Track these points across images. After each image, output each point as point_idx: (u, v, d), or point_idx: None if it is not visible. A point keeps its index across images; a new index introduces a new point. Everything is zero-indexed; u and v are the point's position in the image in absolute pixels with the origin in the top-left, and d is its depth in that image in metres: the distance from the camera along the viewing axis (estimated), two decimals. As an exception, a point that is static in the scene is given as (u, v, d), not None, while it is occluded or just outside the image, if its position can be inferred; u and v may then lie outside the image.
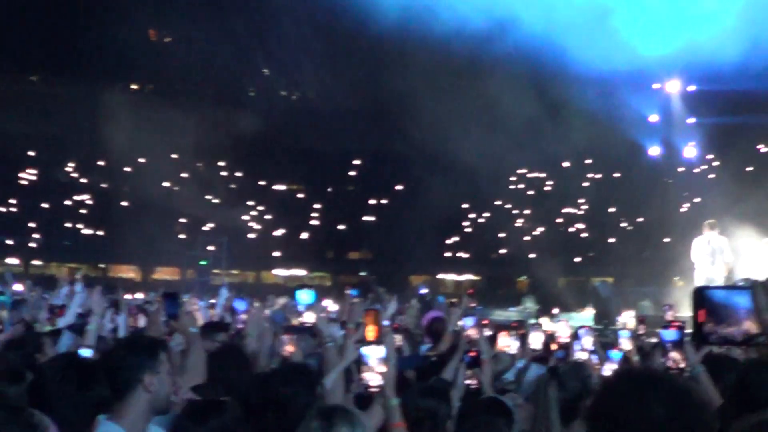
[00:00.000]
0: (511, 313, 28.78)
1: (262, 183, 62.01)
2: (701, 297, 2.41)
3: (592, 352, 9.27)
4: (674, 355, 5.67)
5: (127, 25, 54.19)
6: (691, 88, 44.97)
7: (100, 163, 55.06)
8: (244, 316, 8.67)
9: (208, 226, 54.28)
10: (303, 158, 59.00)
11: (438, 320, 11.73)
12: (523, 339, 10.63)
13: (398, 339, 10.20)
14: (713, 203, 45.58)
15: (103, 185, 56.49)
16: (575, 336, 10.31)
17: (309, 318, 6.72)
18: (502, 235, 56.57)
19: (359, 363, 5.33)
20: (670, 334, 5.65)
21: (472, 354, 7.29)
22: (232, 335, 8.77)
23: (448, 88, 48.64)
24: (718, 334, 2.38)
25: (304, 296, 6.79)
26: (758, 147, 51.21)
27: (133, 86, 61.63)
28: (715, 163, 50.34)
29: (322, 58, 53.33)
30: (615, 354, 8.86)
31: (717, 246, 22.43)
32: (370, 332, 6.19)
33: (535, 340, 10.15)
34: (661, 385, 2.68)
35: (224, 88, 58.56)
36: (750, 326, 2.35)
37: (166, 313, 7.06)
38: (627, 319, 16.72)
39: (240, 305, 8.99)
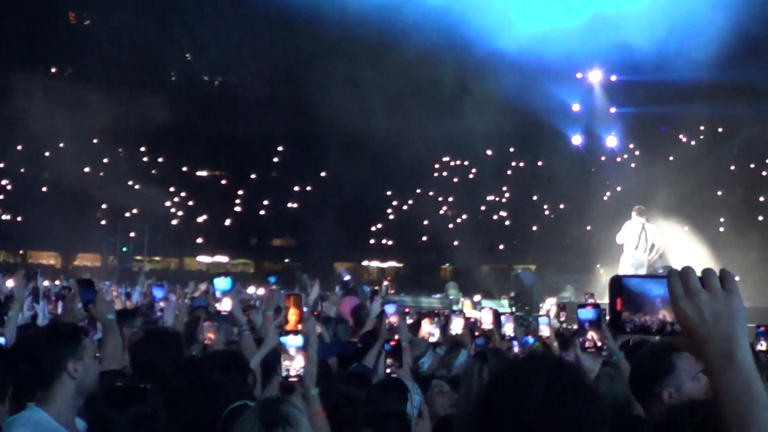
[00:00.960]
0: (434, 300, 28.79)
1: (184, 169, 61.59)
2: (618, 285, 2.36)
3: (512, 338, 9.32)
4: (592, 334, 5.65)
5: (47, 7, 53.51)
6: (613, 78, 45.44)
7: (19, 147, 54.19)
8: (162, 303, 8.53)
9: (129, 213, 53.80)
10: (225, 144, 58.63)
11: (358, 307, 11.73)
12: (445, 325, 10.64)
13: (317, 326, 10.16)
14: (635, 192, 46.19)
15: (22, 170, 55.61)
16: (498, 323, 10.34)
17: (226, 305, 6.62)
18: (425, 222, 56.79)
19: (280, 351, 5.23)
20: (587, 313, 5.62)
21: (392, 343, 7.25)
22: (152, 321, 8.63)
23: (372, 76, 48.56)
24: (634, 322, 2.33)
25: (221, 283, 6.70)
26: (680, 136, 51.87)
27: (53, 69, 60.71)
28: (637, 153, 50.89)
29: (245, 43, 53.08)
30: (530, 340, 8.90)
31: (648, 230, 22.79)
32: (292, 316, 6.10)
33: (456, 326, 10.15)
34: (543, 368, 2.73)
35: (145, 73, 57.94)
36: (666, 315, 2.30)
37: (81, 300, 6.90)
38: (549, 306, 16.89)
39: (158, 292, 8.85)
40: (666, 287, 2.30)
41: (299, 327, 6.30)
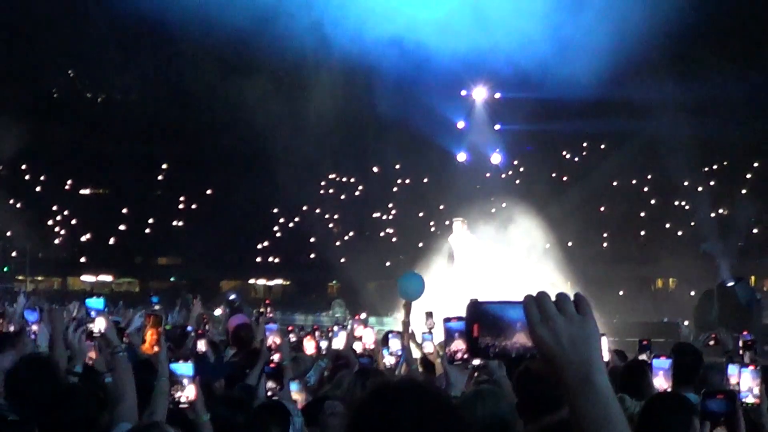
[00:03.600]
0: (322, 318, 28.79)
1: (67, 187, 60.64)
2: (475, 310, 2.35)
3: (400, 355, 9.33)
4: (458, 344, 5.68)
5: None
6: (497, 95, 45.94)
7: None
8: (35, 327, 8.32)
9: (10, 232, 52.74)
10: (110, 162, 57.86)
11: (243, 327, 11.61)
12: (330, 341, 10.65)
13: (202, 345, 10.07)
14: (519, 208, 46.66)
15: None
16: (385, 340, 10.35)
17: (99, 325, 6.50)
18: (312, 239, 56.69)
19: (171, 379, 5.18)
20: (455, 324, 5.65)
21: (272, 365, 7.21)
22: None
23: (256, 93, 48.44)
24: (493, 348, 2.32)
25: (94, 303, 6.59)
26: (563, 153, 52.70)
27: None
28: (521, 169, 51.52)
29: (129, 61, 52.54)
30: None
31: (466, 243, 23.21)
32: (149, 337, 6.03)
33: (339, 342, 10.16)
34: (409, 394, 2.68)
35: (29, 90, 56.94)
36: (523, 339, 2.31)
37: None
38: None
39: (30, 316, 8.62)
40: (522, 312, 2.32)
41: (155, 348, 6.23)
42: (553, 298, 2.30)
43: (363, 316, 16.39)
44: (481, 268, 24.25)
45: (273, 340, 8.49)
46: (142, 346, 6.46)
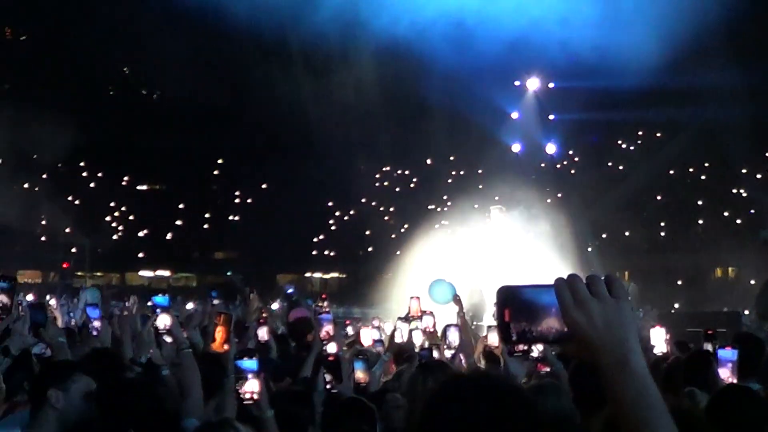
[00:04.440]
0: (377, 311, 28.75)
1: (124, 183, 61.12)
2: (506, 296, 2.36)
3: (457, 348, 9.31)
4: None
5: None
6: (551, 85, 45.74)
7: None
8: (97, 323, 8.38)
9: (69, 228, 53.25)
10: (166, 157, 58.20)
11: (302, 320, 11.64)
12: (391, 334, 10.66)
13: (264, 334, 10.14)
14: (575, 198, 46.52)
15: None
16: (443, 333, 10.33)
17: (164, 321, 6.55)
18: (368, 232, 56.69)
19: (237, 374, 5.23)
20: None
21: (330, 358, 7.22)
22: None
23: (310, 87, 48.58)
24: (525, 333, 2.32)
25: (159, 300, 6.64)
26: (618, 142, 52.31)
27: (-12, 85, 60.05)
28: (576, 159, 51.23)
29: (182, 56, 52.74)
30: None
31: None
32: (218, 335, 6.07)
33: (400, 335, 10.16)
34: (484, 386, 2.74)
35: (83, 87, 57.40)
36: (556, 323, 2.31)
37: (31, 322, 6.82)
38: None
39: (93, 312, 8.68)
40: (553, 295, 2.31)
41: (225, 347, 6.26)
42: (584, 281, 2.31)
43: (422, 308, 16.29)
44: (524, 257, 24.17)
45: (326, 330, 8.52)
46: (212, 344, 6.51)
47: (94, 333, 8.21)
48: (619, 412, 2.27)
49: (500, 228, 24.26)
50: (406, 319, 11.66)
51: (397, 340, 10.21)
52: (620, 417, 2.27)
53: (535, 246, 29.87)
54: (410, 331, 10.77)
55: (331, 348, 8.27)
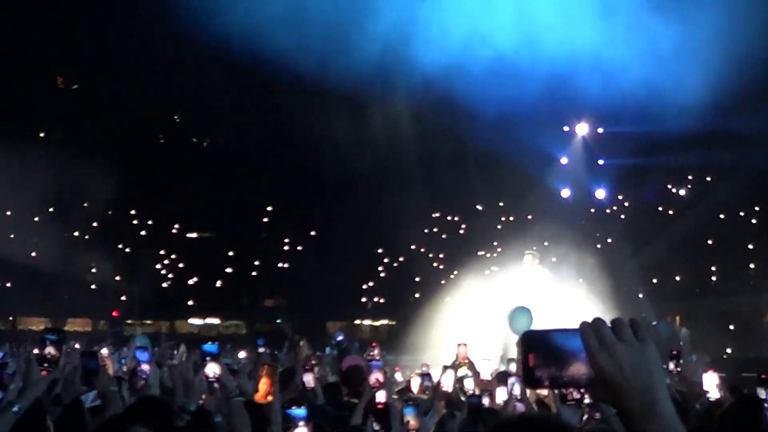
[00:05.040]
0: (426, 357, 28.64)
1: (173, 231, 61.50)
2: (529, 340, 2.34)
3: (519, 400, 9.17)
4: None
5: (35, 71, 53.68)
6: (600, 129, 45.68)
7: (7, 213, 54.04)
8: (146, 367, 8.42)
9: (119, 276, 53.66)
10: (215, 205, 58.57)
11: (355, 368, 11.61)
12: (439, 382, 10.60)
13: (310, 380, 10.12)
14: (626, 243, 46.27)
15: (11, 236, 55.40)
16: (499, 380, 10.26)
17: (213, 370, 6.55)
18: (417, 279, 56.60)
19: (287, 423, 5.23)
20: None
21: (379, 406, 7.19)
22: (141, 387, 8.53)
23: (359, 133, 48.78)
24: (549, 377, 2.31)
25: (209, 347, 6.66)
26: (668, 186, 52.06)
27: (41, 134, 60.72)
28: (626, 204, 51.01)
29: (232, 104, 53.20)
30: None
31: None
32: (262, 386, 6.08)
33: (447, 381, 10.11)
34: (538, 427, 2.80)
35: (134, 135, 58.01)
36: (581, 368, 2.29)
37: (83, 371, 6.86)
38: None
39: (142, 356, 8.72)
40: (578, 340, 2.30)
41: (269, 398, 6.25)
42: (609, 324, 2.32)
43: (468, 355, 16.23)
44: (560, 304, 24.08)
45: (376, 377, 8.48)
46: (255, 395, 6.50)
47: (143, 376, 8.25)
48: None
49: (533, 274, 24.18)
50: (453, 366, 11.61)
51: (445, 387, 10.16)
52: None
53: (571, 292, 29.78)
54: (460, 378, 10.72)
55: (381, 396, 8.23)
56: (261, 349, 15.90)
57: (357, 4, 40.64)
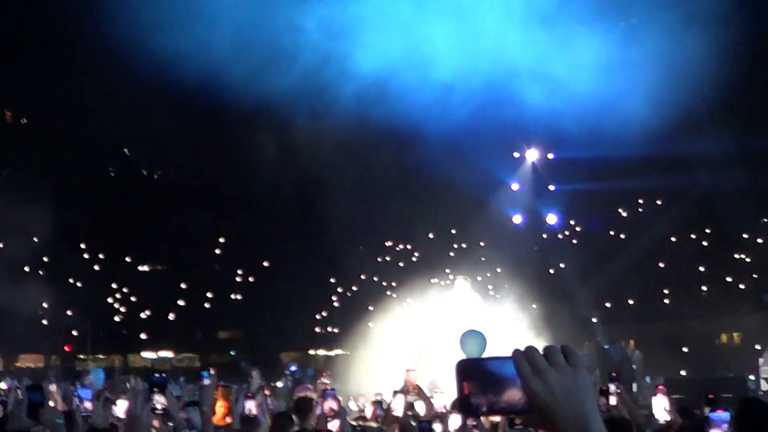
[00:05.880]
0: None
1: (125, 264, 61.09)
2: (464, 369, 2.34)
3: (475, 426, 9.19)
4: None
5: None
6: (550, 155, 45.98)
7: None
8: (88, 404, 8.32)
9: (71, 310, 53.19)
10: (167, 237, 58.31)
11: (304, 398, 11.61)
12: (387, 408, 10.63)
13: (251, 407, 10.04)
14: (578, 268, 46.51)
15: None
16: (454, 406, 10.29)
17: (160, 401, 6.50)
18: (371, 308, 56.54)
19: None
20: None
21: None
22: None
23: (310, 164, 48.79)
24: (485, 405, 2.31)
25: (157, 380, 6.61)
26: (619, 210, 52.45)
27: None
28: (578, 229, 51.30)
29: (182, 136, 53.04)
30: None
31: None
32: (219, 409, 6.03)
33: (398, 406, 10.13)
34: None
35: (84, 168, 57.64)
36: (516, 394, 2.30)
37: (29, 404, 6.77)
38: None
39: (85, 393, 8.62)
40: (512, 366, 2.30)
41: (227, 420, 6.20)
42: (541, 351, 2.32)
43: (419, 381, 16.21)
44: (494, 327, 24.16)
45: (330, 406, 8.47)
46: (213, 418, 6.44)
47: (83, 413, 8.17)
48: None
49: (463, 298, 24.31)
50: (403, 391, 11.62)
51: (395, 412, 10.18)
52: None
53: (511, 317, 29.92)
54: (411, 403, 10.72)
55: (334, 425, 8.22)
56: (206, 381, 15.75)
57: (298, 32, 40.82)
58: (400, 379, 15.58)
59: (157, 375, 6.84)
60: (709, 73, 36.27)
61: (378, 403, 13.47)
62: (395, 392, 11.18)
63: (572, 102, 38.60)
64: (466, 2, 40.54)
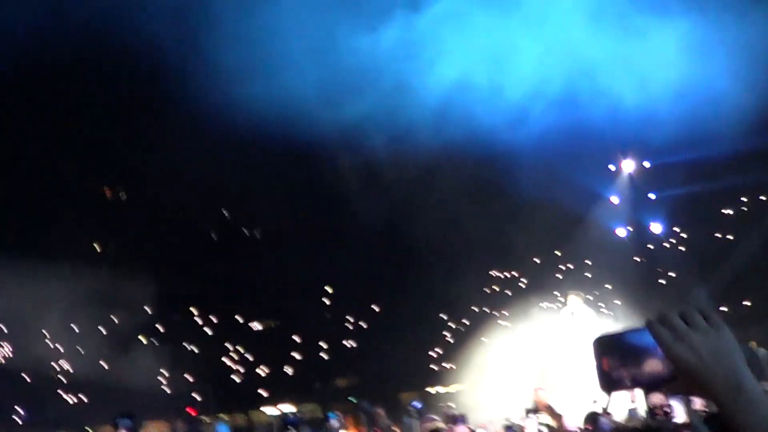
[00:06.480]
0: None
1: (238, 324, 61.72)
2: (602, 345, 2.32)
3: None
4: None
5: (81, 181, 54.34)
6: (646, 164, 45.57)
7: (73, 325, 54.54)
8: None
9: (191, 376, 53.87)
10: (275, 293, 58.77)
11: (435, 429, 11.63)
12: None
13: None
14: (689, 274, 45.89)
15: (79, 349, 55.83)
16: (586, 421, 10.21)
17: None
18: (484, 339, 56.30)
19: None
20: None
21: None
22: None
23: (408, 202, 48.87)
24: (628, 377, 2.27)
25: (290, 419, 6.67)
26: (723, 210, 51.69)
27: (95, 247, 61.29)
28: (684, 235, 50.67)
29: (279, 190, 53.46)
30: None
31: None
32: None
33: (530, 426, 10.10)
34: None
35: (185, 234, 58.40)
36: (657, 364, 2.26)
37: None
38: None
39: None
40: (650, 337, 2.26)
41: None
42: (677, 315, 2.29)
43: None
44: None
45: (461, 431, 8.47)
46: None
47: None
48: None
49: (577, 313, 23.98)
50: (533, 410, 11.58)
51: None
52: None
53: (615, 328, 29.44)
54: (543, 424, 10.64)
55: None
56: (334, 423, 15.77)
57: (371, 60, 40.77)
58: (526, 400, 15.48)
59: (291, 415, 6.92)
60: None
61: (508, 428, 13.42)
62: (527, 411, 11.13)
63: (662, 106, 38.22)
64: (541, 8, 40.16)
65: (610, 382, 2.36)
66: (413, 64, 41.12)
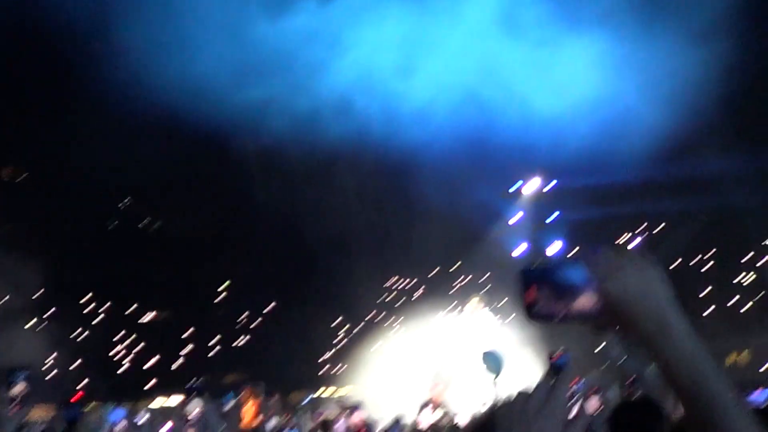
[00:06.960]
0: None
1: (129, 315, 61.05)
2: (528, 277, 2.34)
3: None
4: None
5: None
6: (548, 186, 45.89)
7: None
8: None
9: (78, 363, 53.05)
10: (169, 286, 58.23)
11: (325, 421, 11.63)
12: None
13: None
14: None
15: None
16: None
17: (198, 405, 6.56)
18: (379, 342, 56.33)
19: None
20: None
21: None
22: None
23: (310, 204, 48.76)
24: (547, 311, 2.31)
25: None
26: (623, 236, 52.37)
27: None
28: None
29: (181, 183, 52.91)
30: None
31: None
32: (249, 410, 6.08)
33: (423, 419, 10.16)
34: None
35: (83, 222, 57.52)
36: (586, 301, 2.30)
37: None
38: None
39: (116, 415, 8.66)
40: (578, 271, 2.29)
41: (260, 417, 6.21)
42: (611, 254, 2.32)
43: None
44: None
45: (359, 417, 8.51)
46: (243, 422, 6.46)
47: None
48: (670, 375, 2.25)
49: (475, 318, 24.29)
50: (427, 404, 11.65)
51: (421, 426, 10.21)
52: (675, 383, 2.25)
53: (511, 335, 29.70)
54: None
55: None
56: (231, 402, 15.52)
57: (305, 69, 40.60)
58: (420, 398, 15.50)
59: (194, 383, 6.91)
60: (713, 90, 35.96)
61: (396, 421, 13.50)
62: (421, 405, 11.19)
63: (569, 129, 38.51)
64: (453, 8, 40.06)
65: (538, 315, 2.36)
66: (318, 54, 40.85)
